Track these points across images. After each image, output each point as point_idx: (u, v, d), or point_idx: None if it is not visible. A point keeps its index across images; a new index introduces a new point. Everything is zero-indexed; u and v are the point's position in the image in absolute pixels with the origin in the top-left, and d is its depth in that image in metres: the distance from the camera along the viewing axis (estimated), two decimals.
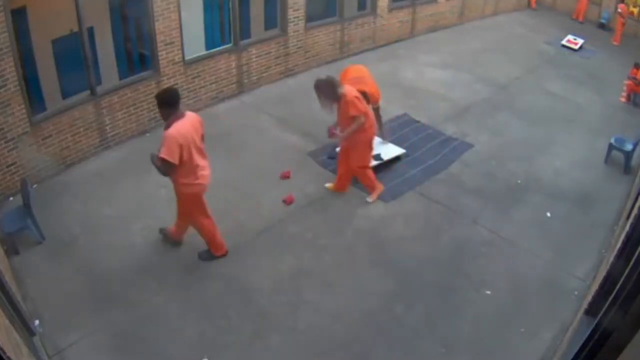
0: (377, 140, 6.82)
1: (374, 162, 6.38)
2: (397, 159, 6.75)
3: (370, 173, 6.02)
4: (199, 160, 4.52)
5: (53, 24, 5.95)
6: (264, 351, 4.33)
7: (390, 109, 7.94)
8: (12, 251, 5.05)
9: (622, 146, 7.10)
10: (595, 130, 8.00)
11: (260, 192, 6.10)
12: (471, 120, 8.01)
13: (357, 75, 6.29)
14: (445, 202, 6.15)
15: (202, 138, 4.64)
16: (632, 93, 9.17)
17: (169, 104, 4.34)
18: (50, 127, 6.00)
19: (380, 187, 6.11)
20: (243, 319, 4.57)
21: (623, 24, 12.45)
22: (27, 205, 5.06)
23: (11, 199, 5.74)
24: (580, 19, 13.57)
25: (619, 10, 12.46)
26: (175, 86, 7.23)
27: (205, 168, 4.63)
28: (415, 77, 9.24)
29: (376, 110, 6.37)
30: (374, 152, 6.49)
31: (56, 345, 4.23)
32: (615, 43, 12.48)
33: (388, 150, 6.67)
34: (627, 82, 9.24)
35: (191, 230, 5.45)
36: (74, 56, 6.12)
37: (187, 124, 4.35)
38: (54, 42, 6.02)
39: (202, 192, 4.73)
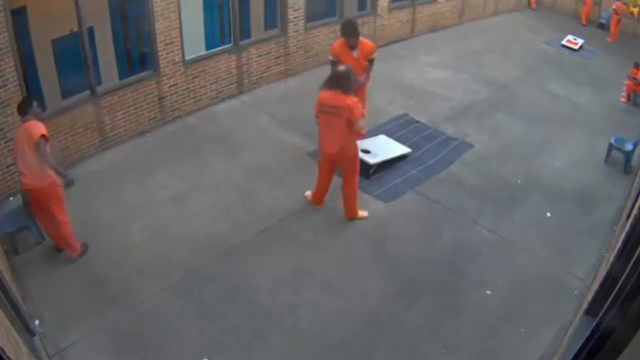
0: (383, 138, 6.84)
1: (377, 160, 6.38)
2: (401, 157, 6.75)
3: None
4: (18, 163, 4.78)
5: (53, 24, 5.95)
6: (264, 351, 4.33)
7: (390, 109, 7.95)
8: (12, 251, 5.05)
9: (622, 146, 7.10)
10: (595, 130, 8.00)
11: (260, 192, 6.10)
12: (471, 120, 8.01)
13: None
14: (445, 202, 6.15)
15: (30, 146, 4.64)
16: (632, 93, 9.17)
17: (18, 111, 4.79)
18: (50, 127, 5.93)
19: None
20: (243, 319, 4.57)
21: (619, 21, 12.44)
22: (27, 205, 5.06)
23: (11, 198, 5.74)
24: (584, 21, 13.56)
25: (614, 7, 12.45)
26: (174, 86, 7.25)
27: (21, 173, 4.80)
28: (415, 77, 9.23)
29: (370, 62, 6.44)
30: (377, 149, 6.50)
31: (56, 345, 4.23)
32: (610, 40, 12.47)
33: (393, 149, 6.66)
34: (627, 82, 9.24)
35: (190, 232, 5.46)
36: (74, 56, 6.12)
37: (20, 130, 4.76)
38: (54, 42, 6.02)
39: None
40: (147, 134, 7.09)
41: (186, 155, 6.69)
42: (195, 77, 7.49)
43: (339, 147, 5.34)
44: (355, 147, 5.50)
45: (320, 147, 5.59)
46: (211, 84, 7.73)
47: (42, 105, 5.98)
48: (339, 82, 5.20)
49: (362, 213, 5.83)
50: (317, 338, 4.46)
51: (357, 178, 5.70)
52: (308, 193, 5.98)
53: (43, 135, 4.58)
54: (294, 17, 8.50)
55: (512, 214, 6.07)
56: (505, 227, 5.83)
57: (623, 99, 9.29)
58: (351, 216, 5.78)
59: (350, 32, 6.26)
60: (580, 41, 11.56)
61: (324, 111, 5.28)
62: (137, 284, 4.83)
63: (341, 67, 5.35)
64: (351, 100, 5.15)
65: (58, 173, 4.77)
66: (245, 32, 8.12)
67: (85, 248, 5.12)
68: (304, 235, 5.55)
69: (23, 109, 4.71)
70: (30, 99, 4.85)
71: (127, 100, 6.74)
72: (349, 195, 5.69)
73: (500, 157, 7.14)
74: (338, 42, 6.47)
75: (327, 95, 5.25)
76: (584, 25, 13.39)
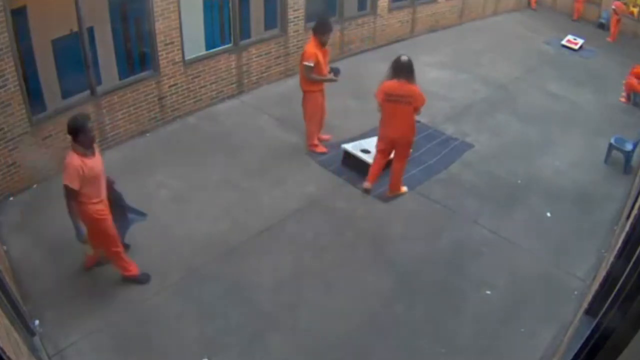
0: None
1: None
2: None
3: None
4: None
5: (53, 24, 5.94)
6: (264, 351, 4.33)
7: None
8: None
9: (622, 146, 7.10)
10: (595, 130, 8.00)
11: (260, 192, 6.10)
12: (471, 120, 8.01)
13: None
14: (445, 202, 6.15)
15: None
16: (632, 93, 9.17)
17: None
18: (50, 127, 6.00)
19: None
20: (243, 319, 4.57)
21: (618, 21, 12.46)
22: (123, 206, 4.84)
23: (11, 198, 5.75)
24: (575, 17, 13.66)
25: (613, 7, 12.47)
26: (174, 86, 7.25)
27: None
28: (416, 77, 9.21)
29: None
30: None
31: (56, 345, 4.23)
32: (610, 40, 12.48)
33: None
34: (627, 81, 9.21)
35: (190, 232, 5.46)
36: (74, 56, 6.12)
37: None
38: (54, 42, 6.01)
39: None
40: (147, 134, 7.09)
41: (186, 155, 6.69)
42: (195, 77, 7.50)
43: (405, 131, 5.70)
44: (415, 132, 5.84)
45: (383, 133, 5.85)
46: (211, 84, 7.73)
47: (44, 105, 6.01)
48: (404, 71, 5.45)
49: (404, 188, 6.18)
50: (317, 338, 4.46)
51: (409, 156, 6.05)
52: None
53: (66, 186, 4.15)
54: (294, 17, 8.50)
55: (512, 214, 6.07)
56: (505, 227, 5.83)
57: (623, 99, 9.29)
58: (394, 190, 6.09)
59: (328, 28, 6.38)
60: (580, 41, 11.56)
61: (391, 100, 5.52)
62: (137, 284, 4.83)
63: (404, 57, 5.53)
64: (415, 88, 5.49)
65: (73, 224, 4.32)
66: (245, 32, 8.12)
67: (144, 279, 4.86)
68: (304, 235, 5.55)
69: (70, 134, 4.18)
70: (82, 123, 4.18)
71: (127, 100, 6.74)
72: (398, 170, 6.01)
73: (500, 157, 7.14)
74: (310, 45, 6.37)
75: (393, 84, 5.51)
76: (574, 21, 13.50)
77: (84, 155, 4.20)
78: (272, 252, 5.31)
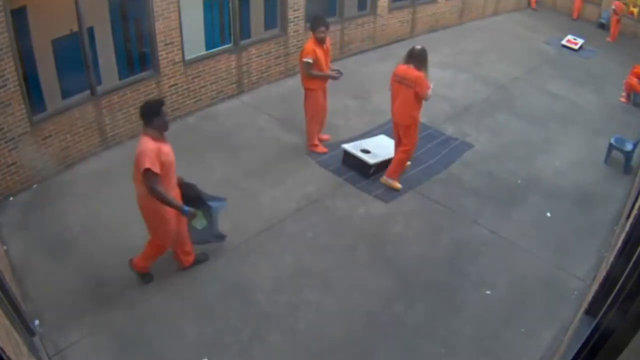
0: (383, 138, 6.84)
1: (377, 160, 6.38)
2: None
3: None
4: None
5: (53, 24, 5.94)
6: (264, 351, 4.33)
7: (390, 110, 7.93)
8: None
9: (622, 146, 7.10)
10: (595, 130, 8.00)
11: (260, 192, 6.10)
12: (471, 120, 8.01)
13: None
14: (445, 202, 6.15)
15: (137, 173, 4.15)
16: (632, 93, 9.16)
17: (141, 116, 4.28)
18: (50, 127, 6.00)
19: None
20: (243, 319, 4.57)
21: (618, 21, 12.46)
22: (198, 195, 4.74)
23: (11, 198, 5.74)
24: (575, 17, 13.68)
25: (613, 7, 12.48)
26: (174, 86, 7.25)
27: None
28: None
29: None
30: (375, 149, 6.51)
31: (56, 345, 4.23)
32: (610, 40, 12.49)
33: (392, 149, 6.66)
34: (627, 81, 9.21)
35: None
36: (74, 56, 6.12)
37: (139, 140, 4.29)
38: (54, 42, 6.01)
39: None
40: None
41: (186, 155, 6.65)
42: (195, 77, 7.50)
43: (402, 115, 5.96)
44: (414, 119, 5.99)
45: (391, 115, 6.17)
46: (211, 84, 7.73)
47: (44, 105, 6.01)
48: (414, 58, 5.85)
49: (397, 184, 6.28)
50: (317, 338, 4.46)
51: (410, 148, 6.15)
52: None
53: (148, 170, 3.94)
54: (294, 17, 8.50)
55: (512, 214, 6.07)
56: (505, 227, 5.83)
57: (623, 99, 9.29)
58: (389, 176, 6.25)
59: (323, 23, 6.33)
60: (580, 41, 11.56)
61: (397, 81, 5.94)
62: (137, 284, 4.83)
63: (418, 46, 6.00)
64: (418, 74, 5.80)
65: (173, 207, 4.20)
66: (245, 32, 8.12)
67: (202, 259, 5.01)
68: (303, 235, 5.55)
69: (145, 118, 4.05)
70: (157, 107, 4.07)
71: (127, 100, 6.74)
72: (398, 160, 6.21)
73: (500, 157, 7.14)
74: (309, 42, 6.38)
75: (402, 67, 5.94)
76: (574, 20, 13.56)
77: (158, 140, 4.07)
78: (272, 252, 5.31)
